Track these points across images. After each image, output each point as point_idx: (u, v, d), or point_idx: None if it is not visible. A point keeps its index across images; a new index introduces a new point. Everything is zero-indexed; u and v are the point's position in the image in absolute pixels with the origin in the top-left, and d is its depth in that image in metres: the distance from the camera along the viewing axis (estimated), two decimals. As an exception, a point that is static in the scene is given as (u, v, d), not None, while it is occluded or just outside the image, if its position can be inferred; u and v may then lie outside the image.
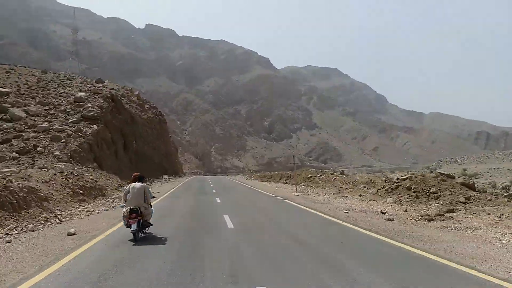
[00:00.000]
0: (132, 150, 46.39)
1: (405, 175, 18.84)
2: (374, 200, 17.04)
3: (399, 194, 16.48)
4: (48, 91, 42.88)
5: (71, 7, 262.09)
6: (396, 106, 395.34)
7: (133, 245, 8.49)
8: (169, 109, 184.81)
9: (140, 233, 9.08)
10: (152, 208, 9.73)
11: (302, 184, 29.50)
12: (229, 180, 55.46)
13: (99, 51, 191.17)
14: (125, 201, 9.20)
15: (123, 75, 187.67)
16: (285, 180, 39.42)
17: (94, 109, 36.38)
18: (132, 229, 8.74)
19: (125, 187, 9.47)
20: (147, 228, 9.50)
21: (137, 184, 9.19)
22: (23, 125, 31.42)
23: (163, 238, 9.19)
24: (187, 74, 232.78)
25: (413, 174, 20.85)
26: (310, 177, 32.12)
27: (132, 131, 48.01)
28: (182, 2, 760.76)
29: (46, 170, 20.93)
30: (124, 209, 8.99)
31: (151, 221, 9.71)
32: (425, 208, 13.78)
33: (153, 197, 10.20)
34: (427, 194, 15.52)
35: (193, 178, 65.00)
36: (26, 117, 33.13)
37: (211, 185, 34.53)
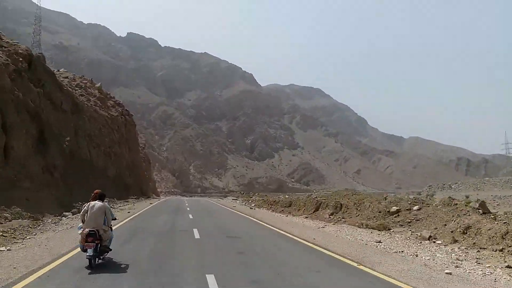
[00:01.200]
0: (62, 151, 27.21)
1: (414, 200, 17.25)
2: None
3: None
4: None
5: (52, 10, 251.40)
6: (377, 129, 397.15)
7: (89, 273, 7.51)
8: (147, 122, 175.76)
9: (97, 259, 8.12)
10: (112, 232, 8.74)
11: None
12: (215, 205, 40.02)
13: (76, 57, 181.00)
14: (82, 221, 8.18)
15: (100, 83, 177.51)
16: (313, 212, 23.31)
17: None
18: (88, 254, 7.73)
19: (83, 206, 8.38)
20: (105, 254, 8.47)
21: (97, 203, 8.18)
22: None
23: (123, 265, 8.23)
24: (167, 85, 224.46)
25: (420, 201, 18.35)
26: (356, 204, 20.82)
27: (70, 124, 30.57)
28: (165, 12, 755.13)
29: None
30: (81, 231, 8.04)
31: (111, 246, 8.70)
32: None
33: (115, 219, 9.22)
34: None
35: (165, 200, 51.96)
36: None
37: (190, 217, 21.98)
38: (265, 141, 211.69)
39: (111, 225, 8.61)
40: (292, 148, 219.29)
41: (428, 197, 45.32)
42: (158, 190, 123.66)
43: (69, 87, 35.55)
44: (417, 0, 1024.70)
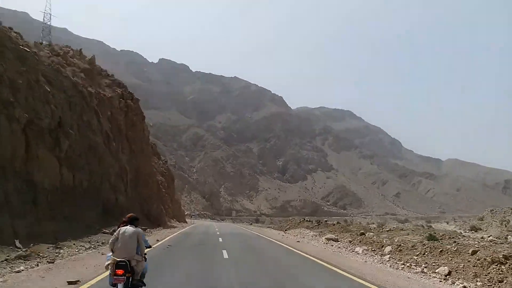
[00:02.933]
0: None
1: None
2: None
3: None
4: None
5: (86, 38, 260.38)
6: (412, 151, 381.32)
7: None
8: (178, 144, 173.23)
9: None
10: (146, 263, 7.21)
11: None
12: (258, 237, 29.15)
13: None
14: (111, 250, 6.90)
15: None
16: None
17: None
18: None
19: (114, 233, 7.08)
20: None
21: (129, 229, 6.94)
22: None
23: None
24: (198, 109, 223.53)
25: None
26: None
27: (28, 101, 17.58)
28: (196, 38, 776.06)
29: None
30: (109, 261, 6.80)
31: (145, 279, 7.21)
32: None
33: (149, 247, 7.74)
34: None
35: (190, 228, 41.09)
36: None
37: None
38: (297, 163, 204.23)
39: (145, 254, 7.12)
40: (325, 170, 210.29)
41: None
42: (187, 212, 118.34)
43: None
44: (456, 23, 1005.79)
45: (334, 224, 34.92)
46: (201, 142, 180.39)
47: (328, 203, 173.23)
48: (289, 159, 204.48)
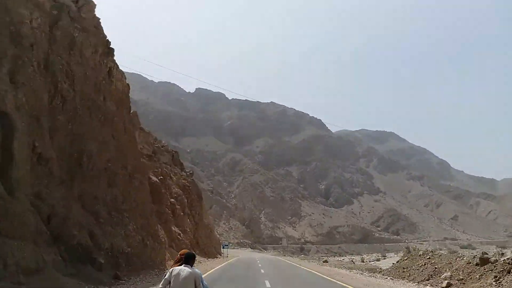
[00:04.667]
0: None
1: None
2: None
3: None
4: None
5: (124, 72, 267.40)
6: (462, 172, 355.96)
7: None
8: (215, 169, 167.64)
9: None
10: None
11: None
12: None
13: (144, 110, 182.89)
14: None
15: (168, 133, 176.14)
16: None
17: None
18: None
19: (165, 273, 6.01)
20: None
21: (184, 270, 5.74)
22: None
23: None
24: (235, 134, 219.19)
25: None
26: None
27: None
28: (232, 67, 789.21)
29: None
30: None
31: None
32: None
33: None
34: None
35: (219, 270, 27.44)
36: None
37: None
38: (341, 186, 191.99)
39: None
40: (372, 193, 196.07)
41: None
42: (224, 241, 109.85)
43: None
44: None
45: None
46: (239, 167, 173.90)
47: (379, 229, 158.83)
48: (332, 182, 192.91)
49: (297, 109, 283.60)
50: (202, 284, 5.85)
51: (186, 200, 40.45)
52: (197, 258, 36.62)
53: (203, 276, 6.24)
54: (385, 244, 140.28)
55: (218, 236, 77.26)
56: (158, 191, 29.31)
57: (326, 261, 39.90)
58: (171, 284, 5.61)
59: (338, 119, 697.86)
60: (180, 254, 6.02)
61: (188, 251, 6.12)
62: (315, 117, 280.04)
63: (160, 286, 5.79)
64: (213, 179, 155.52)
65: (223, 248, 55.92)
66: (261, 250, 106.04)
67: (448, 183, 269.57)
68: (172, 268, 5.83)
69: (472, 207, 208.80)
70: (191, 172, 55.04)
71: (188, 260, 5.87)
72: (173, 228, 31.50)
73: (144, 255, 19.35)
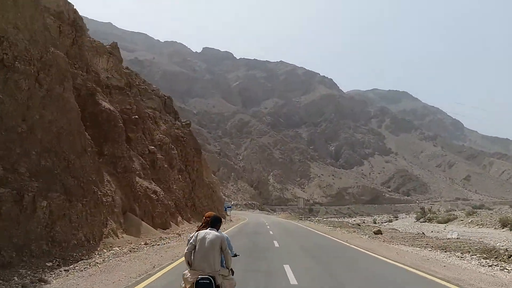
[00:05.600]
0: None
1: None
2: None
3: None
4: None
5: (129, 31, 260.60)
6: (476, 132, 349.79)
7: None
8: (222, 131, 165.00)
9: None
10: (234, 279, 5.48)
11: None
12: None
13: (150, 70, 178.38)
14: (188, 264, 5.20)
15: (174, 94, 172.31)
16: None
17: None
18: None
19: (189, 237, 5.37)
20: None
21: (211, 233, 5.21)
22: None
23: None
24: (243, 95, 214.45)
25: None
26: None
27: None
28: (240, 25, 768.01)
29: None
30: (189, 276, 5.06)
31: None
32: None
33: (236, 255, 5.80)
34: None
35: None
36: None
37: None
38: (352, 147, 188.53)
39: (231, 266, 5.39)
40: (384, 154, 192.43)
41: None
42: (227, 201, 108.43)
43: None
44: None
45: None
46: (246, 129, 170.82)
47: (389, 189, 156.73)
48: (343, 143, 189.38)
49: (307, 68, 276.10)
50: (231, 248, 5.52)
51: (177, 152, 33.56)
52: (192, 223, 29.21)
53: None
54: (396, 205, 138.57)
55: (224, 197, 74.77)
56: (112, 124, 19.45)
57: (379, 232, 22.67)
58: (197, 248, 5.11)
59: (350, 80, 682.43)
60: (205, 217, 5.53)
61: (214, 213, 5.59)
62: (326, 76, 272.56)
63: (186, 251, 5.27)
64: (221, 141, 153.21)
65: (226, 210, 48.93)
66: (269, 211, 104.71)
67: (461, 143, 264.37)
68: (197, 232, 5.30)
69: (485, 167, 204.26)
70: (188, 122, 47.67)
71: (214, 223, 5.39)
72: (145, 184, 22.24)
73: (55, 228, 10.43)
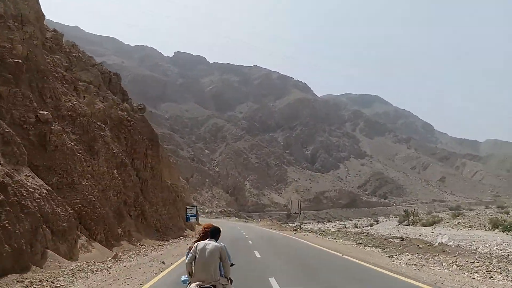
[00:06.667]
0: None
1: None
2: None
3: None
4: None
5: (98, 35, 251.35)
6: (446, 134, 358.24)
7: None
8: (196, 136, 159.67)
9: None
10: (232, 286, 5.82)
11: None
12: None
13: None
14: (189, 273, 5.54)
15: (145, 99, 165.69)
16: None
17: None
18: None
19: (189, 249, 5.72)
20: None
21: (210, 244, 5.53)
22: None
23: None
24: (217, 99, 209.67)
25: None
26: None
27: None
28: (212, 30, 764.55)
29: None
30: (187, 286, 5.49)
31: None
32: None
33: (233, 265, 5.94)
34: None
35: None
36: None
37: None
38: (327, 150, 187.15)
39: (229, 275, 5.66)
40: (359, 157, 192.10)
41: None
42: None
43: None
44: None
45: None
46: (221, 133, 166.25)
47: (366, 193, 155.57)
48: (318, 147, 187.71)
49: (281, 73, 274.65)
50: (229, 258, 5.68)
51: (114, 138, 25.69)
52: (137, 244, 21.22)
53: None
54: (373, 208, 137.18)
55: (194, 203, 68.67)
56: None
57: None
58: (196, 259, 5.38)
59: (322, 85, 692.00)
60: (204, 228, 5.86)
61: (213, 225, 5.92)
62: (300, 80, 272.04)
63: (186, 261, 5.59)
64: (194, 146, 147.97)
65: (188, 220, 33.33)
66: (247, 219, 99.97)
67: (432, 145, 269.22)
68: (197, 243, 5.59)
69: (458, 168, 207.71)
70: (142, 106, 39.70)
71: (213, 234, 5.69)
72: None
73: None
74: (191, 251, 5.49)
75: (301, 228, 44.38)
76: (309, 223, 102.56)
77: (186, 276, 5.58)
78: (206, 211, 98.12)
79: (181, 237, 31.45)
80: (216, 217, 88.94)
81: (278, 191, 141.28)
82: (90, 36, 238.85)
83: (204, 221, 49.69)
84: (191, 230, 38.63)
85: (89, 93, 25.49)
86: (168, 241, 26.77)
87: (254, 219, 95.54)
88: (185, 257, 5.70)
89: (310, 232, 36.58)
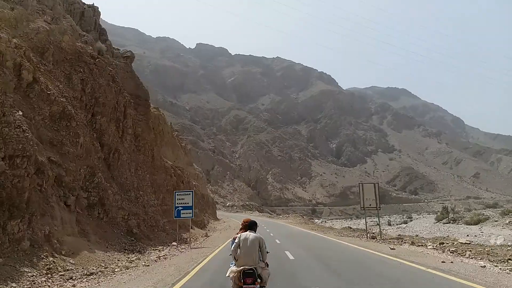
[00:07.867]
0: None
1: None
2: None
3: None
4: None
5: (120, 26, 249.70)
6: (478, 129, 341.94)
7: None
8: (217, 128, 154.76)
9: None
10: (269, 270, 6.80)
11: None
12: None
13: (139, 64, 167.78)
14: (234, 258, 6.57)
15: (165, 89, 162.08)
16: None
17: None
18: None
19: (233, 239, 6.91)
20: None
21: (251, 235, 6.61)
22: None
23: None
24: (239, 91, 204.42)
25: None
26: None
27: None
28: (234, 22, 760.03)
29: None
30: (233, 268, 6.44)
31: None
32: None
33: (268, 252, 7.03)
34: None
35: None
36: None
37: None
38: (354, 144, 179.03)
39: (266, 260, 6.79)
40: (387, 151, 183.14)
41: None
42: (229, 203, 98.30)
43: None
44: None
45: None
46: (242, 125, 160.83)
47: (395, 188, 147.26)
48: (344, 140, 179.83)
49: (304, 64, 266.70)
50: (266, 246, 6.62)
51: (60, 77, 17.90)
52: (71, 250, 10.64)
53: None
54: (403, 204, 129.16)
55: (211, 195, 62.90)
56: None
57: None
58: (240, 247, 6.39)
59: (347, 77, 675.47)
60: (244, 221, 6.96)
61: (250, 219, 7.01)
62: (324, 72, 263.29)
63: (232, 249, 6.55)
64: (215, 138, 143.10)
65: (179, 216, 20.30)
66: (270, 213, 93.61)
67: (464, 140, 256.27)
68: (240, 234, 6.61)
69: (493, 164, 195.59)
70: (128, 54, 30.56)
71: (252, 226, 6.78)
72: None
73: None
74: (235, 241, 6.50)
75: (381, 234, 22.18)
76: (336, 219, 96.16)
77: (233, 262, 6.50)
78: (227, 204, 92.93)
79: (175, 242, 19.99)
80: (237, 211, 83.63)
81: (302, 185, 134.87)
82: (112, 27, 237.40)
83: (224, 215, 45.30)
84: (200, 228, 28.02)
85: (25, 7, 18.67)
86: (144, 252, 16.08)
87: (278, 215, 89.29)
88: (230, 245, 6.69)
89: (399, 242, 18.58)
